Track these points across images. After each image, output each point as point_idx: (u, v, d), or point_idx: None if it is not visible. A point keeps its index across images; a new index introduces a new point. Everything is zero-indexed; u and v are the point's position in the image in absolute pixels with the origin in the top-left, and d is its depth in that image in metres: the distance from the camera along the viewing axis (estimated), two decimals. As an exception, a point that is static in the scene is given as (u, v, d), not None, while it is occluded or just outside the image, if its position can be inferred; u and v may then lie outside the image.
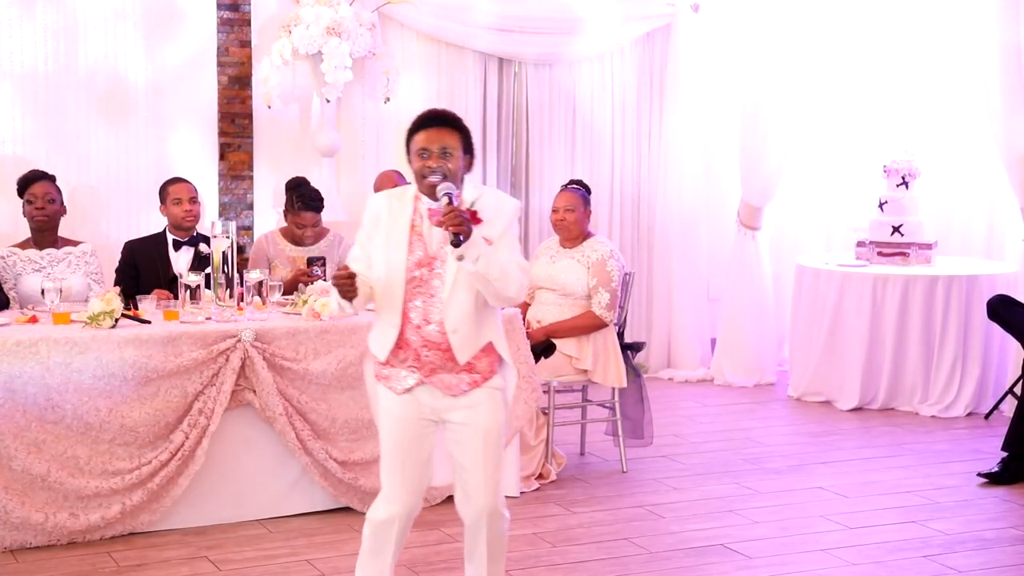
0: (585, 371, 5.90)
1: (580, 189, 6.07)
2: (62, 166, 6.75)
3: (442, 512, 5.16)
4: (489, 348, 3.88)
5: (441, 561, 4.79)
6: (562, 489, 5.76)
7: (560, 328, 5.87)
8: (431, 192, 3.80)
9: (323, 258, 6.07)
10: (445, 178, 3.79)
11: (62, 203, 5.97)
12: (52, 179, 5.99)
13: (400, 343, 3.83)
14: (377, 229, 3.89)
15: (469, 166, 3.90)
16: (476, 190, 3.84)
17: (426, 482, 3.95)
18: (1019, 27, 7.06)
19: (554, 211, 6.06)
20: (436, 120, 3.87)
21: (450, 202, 3.68)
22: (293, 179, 6.36)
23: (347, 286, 3.76)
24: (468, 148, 3.88)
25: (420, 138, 3.83)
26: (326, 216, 6.51)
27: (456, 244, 3.64)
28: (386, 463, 3.90)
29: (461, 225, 3.64)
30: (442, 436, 3.94)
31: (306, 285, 5.72)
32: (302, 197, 6.21)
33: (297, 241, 6.28)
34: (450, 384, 3.83)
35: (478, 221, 3.76)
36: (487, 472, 3.87)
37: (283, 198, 6.42)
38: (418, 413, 3.86)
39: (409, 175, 3.99)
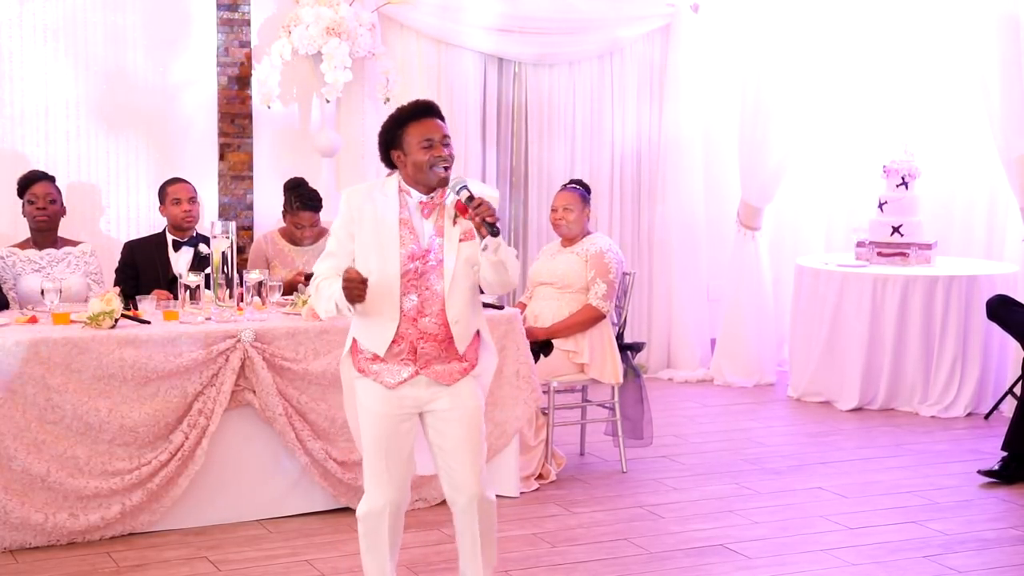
0: (582, 365, 5.90)
1: (579, 188, 6.08)
2: (62, 166, 6.75)
3: (442, 512, 5.15)
4: (476, 336, 3.94)
5: (441, 561, 4.79)
6: (562, 489, 5.76)
7: (560, 329, 5.87)
8: (442, 183, 3.82)
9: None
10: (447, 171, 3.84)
11: (62, 203, 5.98)
12: (52, 179, 5.99)
13: (396, 338, 3.84)
14: (361, 225, 3.88)
15: None
16: (461, 179, 3.86)
17: (410, 475, 3.99)
18: (1019, 27, 7.06)
19: (553, 210, 6.07)
20: (431, 111, 3.92)
21: (471, 196, 3.71)
22: (291, 179, 6.37)
23: (360, 290, 3.75)
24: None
25: (420, 128, 3.85)
26: (326, 216, 6.50)
27: (494, 233, 3.67)
28: (369, 460, 3.93)
29: (494, 215, 3.68)
30: (421, 427, 3.97)
31: (306, 285, 5.72)
32: (300, 197, 6.21)
33: (296, 241, 6.28)
34: (443, 374, 3.87)
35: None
36: (472, 457, 3.92)
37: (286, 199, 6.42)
38: (399, 408, 3.88)
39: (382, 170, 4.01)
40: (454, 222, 3.85)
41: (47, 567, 4.73)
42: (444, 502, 5.17)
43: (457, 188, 3.75)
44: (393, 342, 3.84)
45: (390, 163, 3.97)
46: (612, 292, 5.92)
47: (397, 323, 3.83)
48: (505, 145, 8.06)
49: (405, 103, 4.00)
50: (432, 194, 3.87)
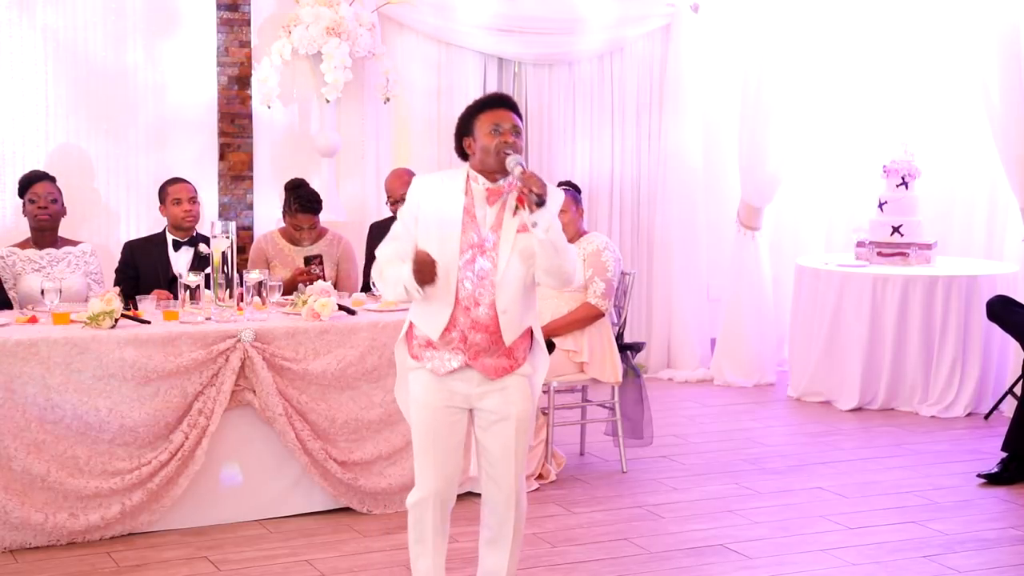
0: (582, 365, 5.90)
1: (570, 190, 6.07)
2: (62, 166, 6.75)
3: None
4: (527, 334, 3.95)
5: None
6: (562, 489, 5.76)
7: (559, 326, 5.87)
8: (500, 167, 3.86)
9: (320, 256, 6.07)
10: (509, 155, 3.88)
11: (62, 203, 5.98)
12: (52, 179, 5.99)
13: (449, 324, 3.87)
14: (425, 211, 3.92)
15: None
16: (520, 158, 3.90)
17: (458, 470, 4.02)
18: (1019, 27, 7.06)
19: (548, 213, 6.05)
20: (504, 101, 3.98)
21: (523, 169, 3.74)
22: (292, 180, 6.37)
23: (431, 272, 3.80)
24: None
25: (491, 116, 3.91)
26: (326, 216, 6.51)
27: (541, 204, 3.68)
28: (417, 449, 3.99)
29: (542, 186, 3.70)
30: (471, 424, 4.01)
31: (305, 284, 5.72)
32: (299, 199, 6.21)
33: (295, 242, 6.28)
34: (491, 368, 3.89)
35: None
36: (517, 459, 3.97)
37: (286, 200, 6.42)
38: (448, 401, 3.92)
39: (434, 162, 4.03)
40: (514, 212, 3.87)
41: (47, 567, 4.73)
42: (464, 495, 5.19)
43: (513, 164, 3.78)
44: (446, 329, 3.88)
45: (463, 153, 4.00)
46: (610, 290, 5.92)
47: (452, 309, 3.86)
48: (505, 145, 8.06)
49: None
50: (498, 183, 3.89)
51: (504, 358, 3.91)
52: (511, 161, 3.80)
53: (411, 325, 3.99)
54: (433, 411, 3.93)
